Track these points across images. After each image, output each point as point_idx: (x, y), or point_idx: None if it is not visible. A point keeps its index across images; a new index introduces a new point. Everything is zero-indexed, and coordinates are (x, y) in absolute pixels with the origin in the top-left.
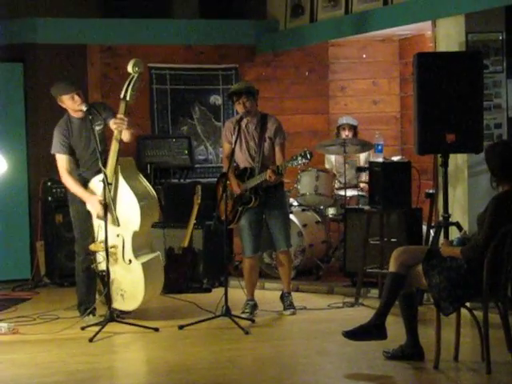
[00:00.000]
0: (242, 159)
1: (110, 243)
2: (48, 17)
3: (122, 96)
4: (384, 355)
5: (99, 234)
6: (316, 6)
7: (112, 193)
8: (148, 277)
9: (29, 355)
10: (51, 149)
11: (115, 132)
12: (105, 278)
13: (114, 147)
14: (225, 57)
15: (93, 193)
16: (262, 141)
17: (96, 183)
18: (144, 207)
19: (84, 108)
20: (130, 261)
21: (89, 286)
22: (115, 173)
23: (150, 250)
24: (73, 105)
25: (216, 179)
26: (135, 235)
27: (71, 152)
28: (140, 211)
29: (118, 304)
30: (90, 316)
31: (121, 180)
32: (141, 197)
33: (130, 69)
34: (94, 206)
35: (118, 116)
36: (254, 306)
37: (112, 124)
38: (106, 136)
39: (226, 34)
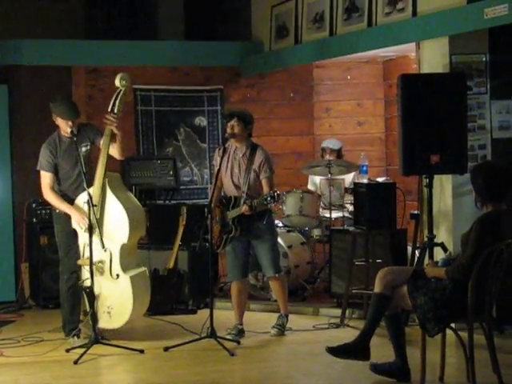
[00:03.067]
0: (227, 185)
1: (97, 258)
2: (32, 38)
3: (109, 109)
4: (370, 368)
5: (85, 251)
6: (300, 28)
7: (99, 206)
8: (136, 291)
9: (13, 378)
10: (37, 165)
11: (104, 139)
12: (93, 293)
13: (102, 159)
14: (210, 78)
15: (79, 209)
16: (248, 172)
17: (81, 203)
18: (132, 219)
19: (69, 133)
20: (118, 275)
21: (73, 306)
22: (103, 185)
23: (136, 265)
24: (65, 127)
25: (201, 200)
26: (123, 248)
27: (56, 171)
28: (129, 222)
29: (104, 322)
30: (75, 338)
31: (108, 192)
32: (129, 209)
33: (117, 83)
34: (78, 221)
35: (110, 115)
36: (241, 331)
37: (101, 140)
38: (92, 158)
39: (211, 56)
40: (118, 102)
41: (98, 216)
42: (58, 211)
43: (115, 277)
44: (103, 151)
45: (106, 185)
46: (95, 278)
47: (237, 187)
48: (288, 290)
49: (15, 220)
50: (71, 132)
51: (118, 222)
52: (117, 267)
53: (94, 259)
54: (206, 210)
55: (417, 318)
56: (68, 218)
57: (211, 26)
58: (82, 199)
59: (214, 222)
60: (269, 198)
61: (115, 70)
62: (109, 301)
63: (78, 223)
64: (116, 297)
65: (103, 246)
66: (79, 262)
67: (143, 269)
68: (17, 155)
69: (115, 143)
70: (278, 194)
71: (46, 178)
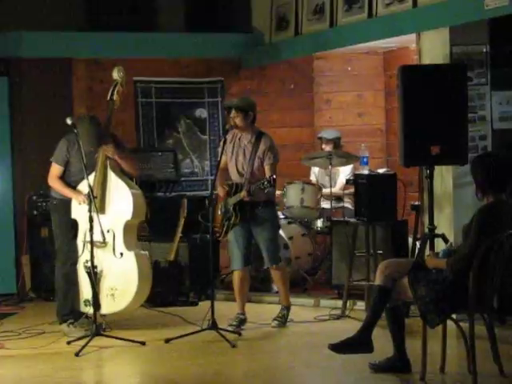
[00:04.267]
0: (232, 172)
1: (100, 240)
2: (33, 30)
3: (108, 98)
4: (370, 367)
5: (87, 237)
6: (301, 19)
7: (102, 185)
8: (141, 267)
9: (14, 370)
10: (52, 156)
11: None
12: (93, 275)
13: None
14: (210, 70)
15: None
16: (252, 159)
17: (83, 188)
18: (136, 197)
19: (68, 121)
20: (122, 254)
21: (66, 292)
22: (105, 168)
23: (138, 247)
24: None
25: (201, 192)
26: (127, 227)
27: (66, 166)
28: (133, 199)
29: (108, 307)
30: (71, 327)
31: (110, 172)
32: (132, 188)
33: (115, 75)
34: (81, 199)
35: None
36: (243, 321)
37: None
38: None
39: (212, 48)
40: (115, 93)
41: (99, 194)
42: (55, 202)
43: (119, 256)
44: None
45: (108, 166)
46: (97, 260)
47: (241, 174)
48: (289, 281)
49: (16, 213)
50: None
51: (122, 199)
52: (120, 246)
53: (97, 240)
54: (206, 200)
55: (418, 309)
56: (66, 209)
57: (211, 17)
58: (83, 186)
59: (217, 208)
60: (265, 183)
61: (115, 62)
62: (113, 281)
63: (80, 202)
64: (120, 275)
65: (104, 239)
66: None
67: (146, 252)
68: (17, 148)
69: (124, 167)
70: (274, 179)
71: (55, 169)
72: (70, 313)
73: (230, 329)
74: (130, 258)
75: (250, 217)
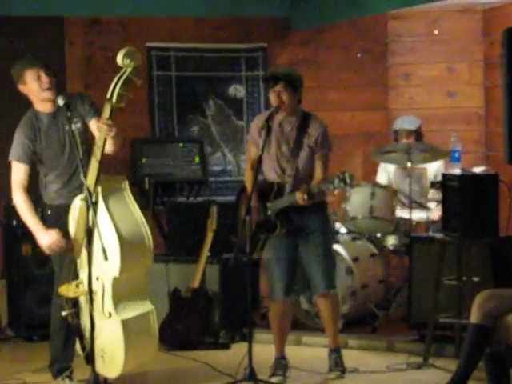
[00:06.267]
0: (269, 168)
1: (87, 287)
2: None
3: (108, 96)
4: None
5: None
6: None
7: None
8: (129, 340)
9: None
10: (9, 154)
11: (97, 141)
12: (81, 331)
13: (93, 164)
14: (249, 34)
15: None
16: (299, 148)
17: (75, 205)
18: (127, 247)
19: (60, 101)
20: (110, 314)
21: (67, 340)
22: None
23: (140, 301)
24: (38, 88)
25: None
26: (116, 282)
27: (37, 161)
28: (120, 252)
29: (99, 367)
30: (66, 380)
31: (101, 206)
32: (125, 233)
33: (119, 60)
34: (45, 242)
35: (104, 120)
36: (285, 367)
37: (95, 126)
38: (88, 138)
39: (250, 4)
40: (118, 87)
41: (80, 238)
42: (49, 212)
43: (107, 315)
44: (94, 159)
45: (99, 196)
46: (86, 312)
47: (283, 171)
48: (353, 317)
49: None
50: (63, 104)
51: (106, 249)
52: (109, 304)
53: (84, 288)
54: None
55: None
56: (66, 218)
57: None
58: (77, 200)
59: (240, 215)
60: (336, 181)
61: (123, 23)
62: (101, 343)
63: (48, 248)
64: (107, 340)
65: (106, 259)
66: (61, 290)
67: (147, 309)
68: None
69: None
70: (352, 175)
71: (19, 171)
72: (71, 371)
73: (273, 380)
74: (117, 325)
75: (297, 226)
